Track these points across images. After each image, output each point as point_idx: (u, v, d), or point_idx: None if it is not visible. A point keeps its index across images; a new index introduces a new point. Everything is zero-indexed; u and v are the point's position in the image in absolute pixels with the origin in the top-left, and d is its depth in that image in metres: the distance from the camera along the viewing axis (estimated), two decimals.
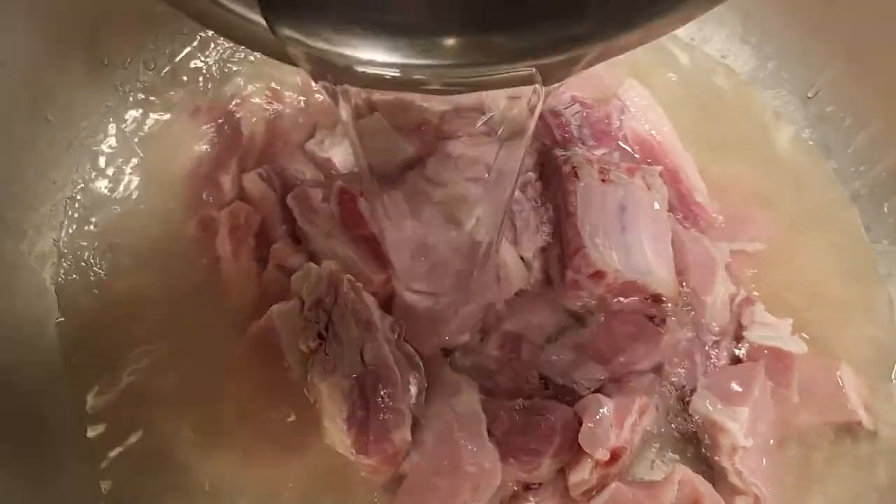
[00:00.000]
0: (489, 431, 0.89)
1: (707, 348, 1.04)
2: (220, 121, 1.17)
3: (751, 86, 1.31)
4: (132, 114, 1.19)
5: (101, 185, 1.13)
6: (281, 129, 1.18)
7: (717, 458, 0.95)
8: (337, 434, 0.89)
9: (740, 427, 0.92)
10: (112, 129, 1.17)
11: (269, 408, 0.95)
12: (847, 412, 1.01)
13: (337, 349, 0.91)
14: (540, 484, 0.91)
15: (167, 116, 1.19)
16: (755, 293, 1.09)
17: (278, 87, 1.21)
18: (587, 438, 0.87)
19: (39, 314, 1.03)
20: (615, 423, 0.88)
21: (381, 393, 0.89)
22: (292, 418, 0.95)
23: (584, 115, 1.17)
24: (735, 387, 0.97)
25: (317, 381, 0.91)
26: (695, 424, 0.98)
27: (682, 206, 1.14)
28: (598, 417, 0.89)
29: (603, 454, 0.86)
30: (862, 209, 1.20)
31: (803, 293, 1.12)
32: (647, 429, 0.95)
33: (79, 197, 1.12)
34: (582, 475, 0.87)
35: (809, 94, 1.27)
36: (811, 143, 1.26)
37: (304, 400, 0.95)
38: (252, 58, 1.24)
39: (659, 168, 1.11)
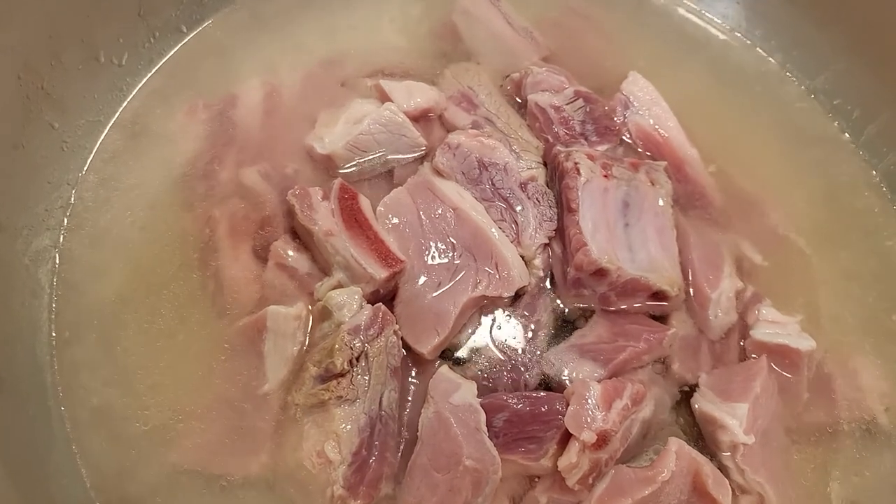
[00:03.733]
0: (490, 426, 0.91)
1: (712, 345, 1.05)
2: (216, 117, 1.20)
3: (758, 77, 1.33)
4: (127, 111, 1.21)
5: (97, 184, 1.15)
6: (279, 125, 1.20)
7: (719, 455, 0.97)
8: (334, 461, 0.91)
9: (739, 423, 0.95)
10: (107, 127, 1.19)
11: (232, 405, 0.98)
12: (863, 410, 1.03)
13: (363, 382, 0.93)
14: (539, 477, 0.94)
15: (163, 113, 1.21)
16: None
17: (277, 82, 1.23)
18: (572, 420, 0.90)
19: (34, 313, 1.05)
20: (602, 405, 0.91)
21: (388, 441, 0.93)
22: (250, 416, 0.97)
23: (588, 110, 1.19)
24: (736, 383, 0.99)
25: (331, 406, 0.92)
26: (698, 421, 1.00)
27: (687, 201, 1.16)
28: (583, 400, 0.91)
29: (589, 436, 0.89)
30: (874, 200, 1.22)
31: (814, 285, 1.13)
32: (646, 419, 0.97)
33: (74, 196, 1.14)
34: (569, 458, 0.89)
35: (815, 86, 1.28)
36: (820, 135, 1.27)
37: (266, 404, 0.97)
38: (250, 54, 1.26)
39: (663, 163, 1.13)
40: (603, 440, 0.90)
